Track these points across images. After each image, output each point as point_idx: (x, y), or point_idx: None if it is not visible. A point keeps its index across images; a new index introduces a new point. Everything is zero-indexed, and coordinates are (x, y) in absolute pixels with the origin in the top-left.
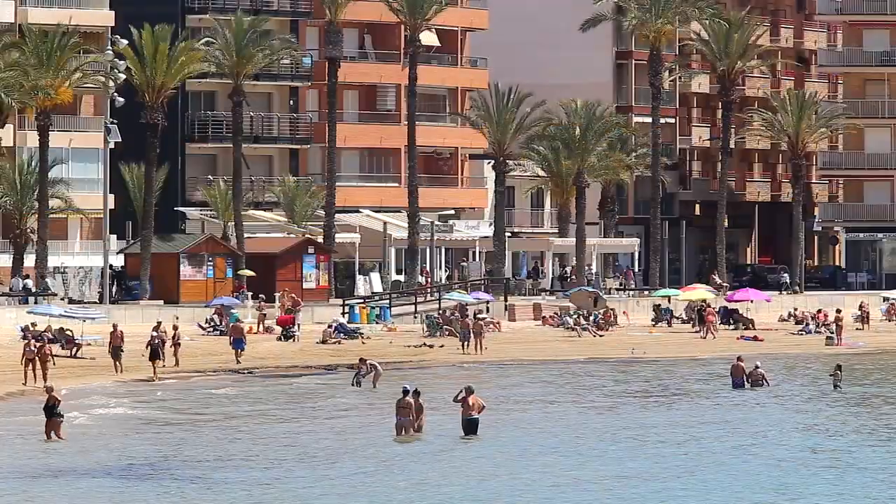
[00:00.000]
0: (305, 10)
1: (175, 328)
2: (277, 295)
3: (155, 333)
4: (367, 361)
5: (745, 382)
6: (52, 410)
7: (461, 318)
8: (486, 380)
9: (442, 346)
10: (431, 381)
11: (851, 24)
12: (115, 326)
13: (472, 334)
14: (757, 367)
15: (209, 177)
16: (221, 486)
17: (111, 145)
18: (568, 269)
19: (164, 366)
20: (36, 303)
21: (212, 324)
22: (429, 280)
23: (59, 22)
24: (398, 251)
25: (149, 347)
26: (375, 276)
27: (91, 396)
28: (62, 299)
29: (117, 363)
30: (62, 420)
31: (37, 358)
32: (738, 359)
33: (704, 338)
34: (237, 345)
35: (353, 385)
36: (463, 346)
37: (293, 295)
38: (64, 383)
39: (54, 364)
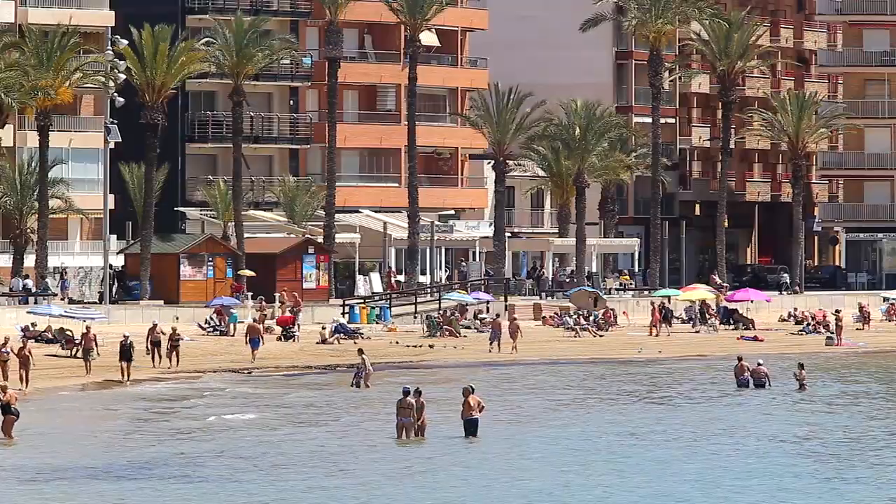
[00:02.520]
0: (305, 10)
1: (169, 329)
2: (278, 295)
3: (126, 335)
4: (363, 355)
5: (749, 382)
6: (7, 408)
7: (494, 318)
8: (490, 381)
9: (444, 347)
10: (432, 381)
11: (851, 24)
12: (88, 328)
13: (501, 334)
14: (760, 364)
15: (209, 177)
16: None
17: (111, 145)
18: (537, 265)
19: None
20: (36, 303)
21: (211, 324)
22: (395, 284)
23: (59, 22)
24: (398, 251)
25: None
26: (375, 277)
27: (53, 398)
28: (62, 299)
29: (87, 363)
30: (16, 419)
31: (10, 360)
32: (739, 359)
33: (657, 335)
34: (254, 344)
35: (352, 386)
36: (491, 346)
37: (294, 294)
38: (39, 384)
39: (34, 365)
